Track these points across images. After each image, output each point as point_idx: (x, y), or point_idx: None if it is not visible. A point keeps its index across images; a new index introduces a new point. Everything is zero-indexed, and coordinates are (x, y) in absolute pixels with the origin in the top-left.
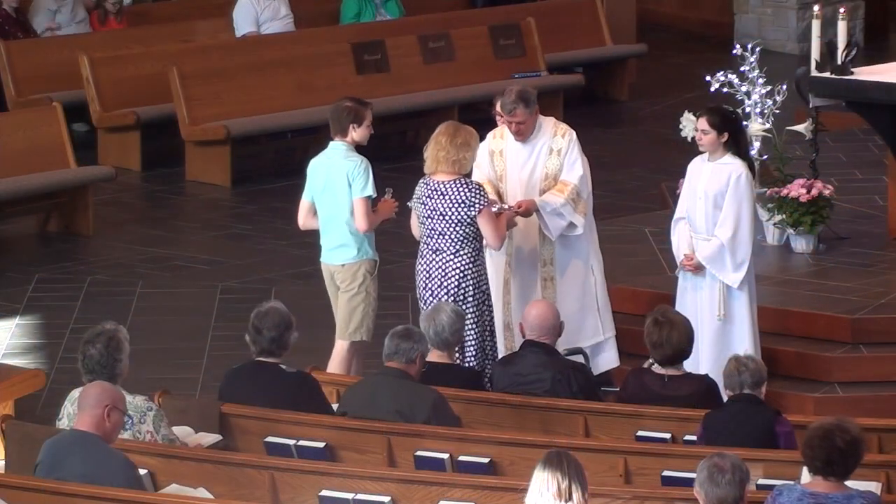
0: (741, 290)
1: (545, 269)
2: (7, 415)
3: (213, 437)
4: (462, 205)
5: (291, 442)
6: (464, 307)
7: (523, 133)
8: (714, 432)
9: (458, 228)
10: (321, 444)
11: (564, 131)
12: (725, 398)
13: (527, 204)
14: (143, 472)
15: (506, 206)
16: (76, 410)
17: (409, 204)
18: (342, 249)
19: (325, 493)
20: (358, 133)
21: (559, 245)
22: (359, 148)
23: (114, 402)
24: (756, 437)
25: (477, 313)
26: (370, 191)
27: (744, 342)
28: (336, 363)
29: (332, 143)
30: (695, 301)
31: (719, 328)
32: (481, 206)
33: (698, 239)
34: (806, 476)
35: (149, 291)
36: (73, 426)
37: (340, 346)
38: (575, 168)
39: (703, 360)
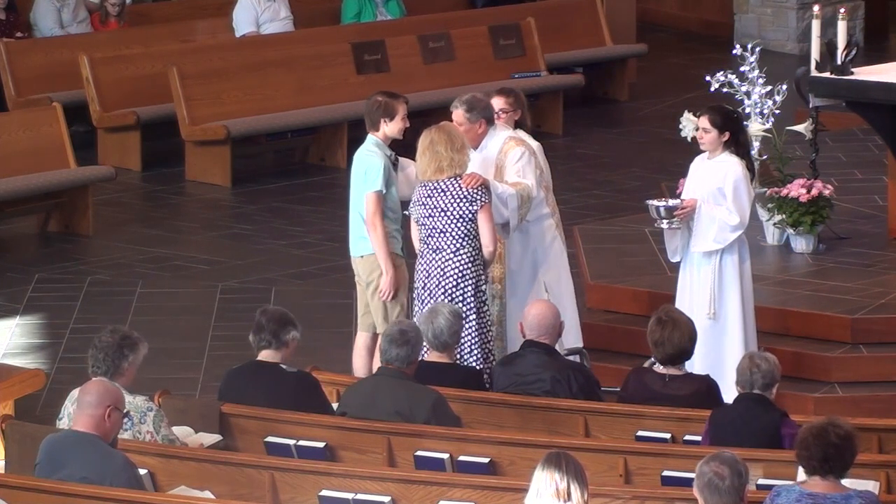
0: (733, 289)
1: (493, 287)
2: (7, 415)
3: (213, 437)
4: (464, 200)
5: (291, 442)
6: (462, 308)
7: None
8: (720, 430)
9: (459, 225)
10: (321, 444)
11: (510, 149)
12: (736, 394)
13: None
14: (143, 472)
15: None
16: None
17: (405, 212)
18: (362, 241)
19: (325, 493)
20: (390, 127)
21: (509, 261)
22: (394, 142)
23: (115, 403)
24: (761, 438)
25: (477, 314)
26: (379, 185)
27: (734, 342)
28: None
29: (367, 137)
30: (691, 299)
31: (710, 327)
32: (483, 202)
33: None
34: (802, 476)
35: (149, 291)
36: (71, 425)
37: (363, 339)
38: (524, 174)
39: (694, 358)
